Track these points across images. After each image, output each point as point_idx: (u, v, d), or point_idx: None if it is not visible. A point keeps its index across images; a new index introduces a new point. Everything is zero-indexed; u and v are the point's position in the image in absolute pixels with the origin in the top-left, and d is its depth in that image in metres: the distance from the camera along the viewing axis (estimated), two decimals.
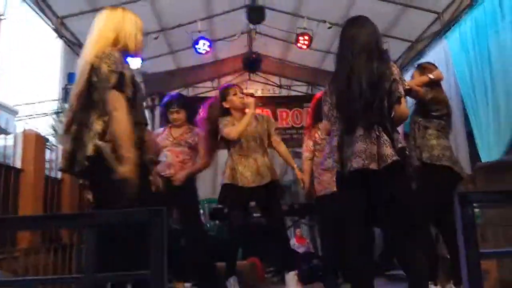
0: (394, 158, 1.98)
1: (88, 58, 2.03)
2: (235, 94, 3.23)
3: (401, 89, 2.07)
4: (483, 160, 3.92)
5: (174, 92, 4.43)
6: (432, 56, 5.14)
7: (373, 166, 1.98)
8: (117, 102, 1.93)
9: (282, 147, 3.33)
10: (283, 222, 3.50)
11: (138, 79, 2.79)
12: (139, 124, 2.09)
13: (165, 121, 3.59)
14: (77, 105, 2.02)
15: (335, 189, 2.35)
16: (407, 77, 2.94)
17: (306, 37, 5.58)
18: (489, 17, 4.01)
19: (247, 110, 3.17)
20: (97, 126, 1.95)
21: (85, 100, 2.01)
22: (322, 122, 2.50)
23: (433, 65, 3.13)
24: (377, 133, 2.01)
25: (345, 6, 5.28)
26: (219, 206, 4.24)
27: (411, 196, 2.16)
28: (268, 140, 3.27)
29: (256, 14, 5.21)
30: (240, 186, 3.08)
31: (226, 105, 3.23)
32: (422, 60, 5.30)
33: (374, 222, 2.16)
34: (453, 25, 4.69)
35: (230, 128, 3.12)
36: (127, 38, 2.15)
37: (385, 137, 2.02)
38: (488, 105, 3.97)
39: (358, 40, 2.18)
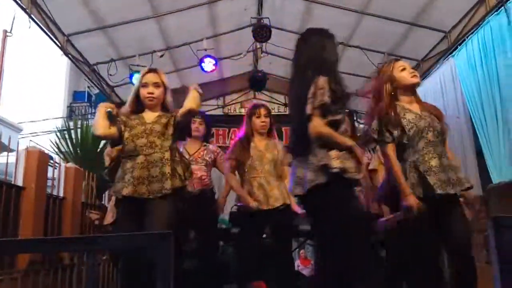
0: (314, 183, 2.07)
1: None
2: (258, 117, 3.14)
3: (308, 109, 2.11)
4: (494, 181, 3.84)
5: None
6: (439, 74, 5.12)
7: (299, 191, 2.16)
8: None
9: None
10: (290, 245, 3.41)
11: None
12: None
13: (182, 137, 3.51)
14: None
15: None
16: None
17: None
18: (496, 37, 3.99)
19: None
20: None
21: None
22: None
23: None
24: (307, 157, 2.13)
25: (351, 25, 5.29)
26: (224, 227, 4.15)
27: (341, 217, 2.09)
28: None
29: (262, 33, 5.22)
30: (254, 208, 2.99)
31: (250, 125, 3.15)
32: (430, 79, 5.31)
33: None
34: (460, 44, 4.67)
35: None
36: None
37: (311, 160, 2.11)
38: (498, 124, 3.91)
39: (295, 57, 2.33)
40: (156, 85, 2.47)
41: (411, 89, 2.31)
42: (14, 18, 4.21)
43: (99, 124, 2.37)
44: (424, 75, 5.44)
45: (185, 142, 3.39)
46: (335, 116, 2.12)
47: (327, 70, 2.19)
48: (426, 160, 2.13)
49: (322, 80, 2.10)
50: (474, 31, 4.41)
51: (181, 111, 2.43)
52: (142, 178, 2.29)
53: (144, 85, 2.47)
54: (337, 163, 2.05)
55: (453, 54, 4.79)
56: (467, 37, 4.54)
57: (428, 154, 2.15)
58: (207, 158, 3.33)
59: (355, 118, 7.82)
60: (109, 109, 2.41)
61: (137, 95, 2.49)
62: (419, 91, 2.39)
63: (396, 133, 2.18)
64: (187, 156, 3.28)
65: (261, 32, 5.22)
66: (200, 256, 3.32)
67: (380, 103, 2.25)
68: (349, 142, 2.13)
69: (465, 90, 4.45)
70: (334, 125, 2.12)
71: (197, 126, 3.36)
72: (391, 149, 2.20)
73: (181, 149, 3.33)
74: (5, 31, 4.16)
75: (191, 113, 2.49)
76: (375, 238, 3.03)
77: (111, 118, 2.40)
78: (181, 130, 2.61)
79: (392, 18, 4.97)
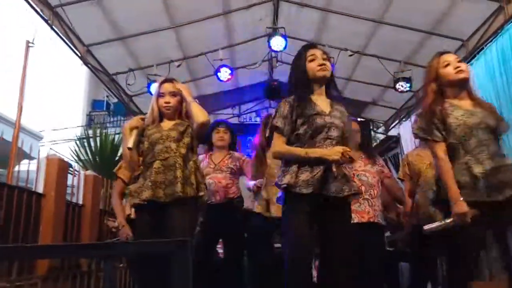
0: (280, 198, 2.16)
1: None
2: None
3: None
4: None
5: None
6: None
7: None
8: None
9: None
10: None
11: None
12: None
13: (208, 145, 3.52)
14: None
15: None
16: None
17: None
18: None
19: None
20: None
21: None
22: None
23: None
24: None
25: (367, 34, 5.29)
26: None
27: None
28: None
29: (277, 43, 5.25)
30: (271, 217, 3.00)
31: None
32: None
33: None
34: (478, 52, 4.61)
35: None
36: None
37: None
38: None
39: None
40: (172, 94, 2.53)
41: (458, 85, 2.13)
42: (36, 30, 4.35)
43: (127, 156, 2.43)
44: None
45: (211, 152, 3.41)
46: (299, 130, 2.09)
47: (291, 88, 2.21)
48: (479, 161, 1.96)
49: (279, 104, 2.17)
50: (492, 39, 4.36)
51: (195, 126, 2.46)
52: (159, 182, 2.34)
53: (161, 94, 2.53)
54: (287, 178, 2.02)
55: (471, 62, 4.73)
56: (485, 46, 4.48)
57: (481, 154, 1.97)
58: (232, 166, 3.32)
59: (371, 127, 7.78)
60: (134, 129, 2.45)
61: (155, 107, 2.55)
62: None
63: (443, 128, 2.02)
64: (212, 166, 3.31)
65: (277, 42, 5.25)
66: (227, 266, 3.32)
67: (425, 101, 2.14)
68: (302, 152, 2.04)
69: (484, 99, 4.38)
70: (300, 139, 2.09)
71: (221, 135, 3.38)
72: (440, 149, 2.03)
73: (206, 160, 3.36)
74: (27, 42, 4.28)
75: (205, 127, 2.51)
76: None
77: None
78: (201, 141, 2.66)
79: (409, 26, 4.95)
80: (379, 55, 5.52)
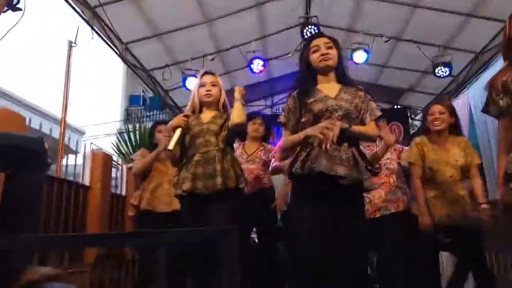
0: None
1: None
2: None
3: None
4: None
5: None
6: (498, 67, 4.84)
7: None
8: None
9: None
10: None
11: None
12: None
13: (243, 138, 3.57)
14: None
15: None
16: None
17: (363, 52, 5.49)
18: None
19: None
20: None
21: None
22: None
23: None
24: None
25: (404, 19, 5.15)
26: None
27: None
28: None
29: (310, 33, 5.21)
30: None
31: None
32: (490, 72, 5.03)
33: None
34: None
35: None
36: None
37: None
38: None
39: None
40: (213, 84, 2.62)
41: None
42: (78, 30, 4.53)
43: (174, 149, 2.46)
44: (484, 68, 5.18)
45: (245, 143, 3.48)
46: (302, 120, 2.09)
47: (297, 82, 2.20)
48: None
49: (287, 99, 2.18)
50: None
51: (230, 125, 2.52)
52: (198, 174, 2.42)
53: (202, 85, 2.62)
54: (288, 165, 2.09)
55: None
56: None
57: None
58: (264, 158, 3.38)
59: (408, 115, 7.59)
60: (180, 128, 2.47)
61: (195, 97, 2.64)
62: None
63: (502, 102, 1.80)
64: (245, 156, 3.38)
65: (310, 30, 5.22)
66: (260, 255, 3.38)
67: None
68: (302, 135, 2.01)
69: None
70: (304, 128, 2.06)
71: (257, 127, 3.44)
72: (501, 123, 1.85)
73: (240, 150, 3.44)
74: (70, 42, 4.47)
75: (239, 127, 2.55)
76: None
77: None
78: (235, 136, 2.72)
79: (447, 10, 4.78)
80: (416, 40, 5.37)
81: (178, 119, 2.52)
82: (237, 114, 2.48)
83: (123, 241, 1.55)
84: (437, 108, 2.72)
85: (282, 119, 2.16)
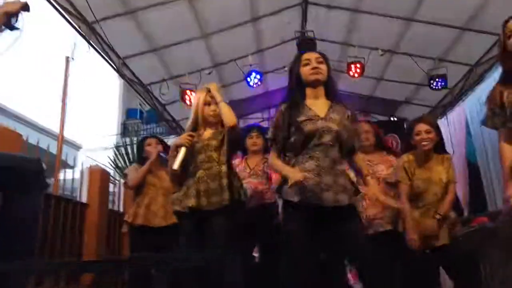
0: None
1: None
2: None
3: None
4: None
5: None
6: (493, 80, 4.87)
7: None
8: None
9: None
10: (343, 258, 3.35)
11: None
12: None
13: (242, 150, 3.55)
14: None
15: None
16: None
17: (358, 65, 5.52)
18: None
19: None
20: None
21: None
22: None
23: None
24: None
25: (399, 32, 5.20)
26: None
27: None
28: None
29: (307, 46, 5.24)
30: None
31: None
32: (485, 85, 5.07)
33: None
34: None
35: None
36: None
37: None
38: None
39: None
40: (215, 102, 2.57)
41: None
42: (75, 45, 4.54)
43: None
44: (479, 80, 5.22)
45: (247, 156, 3.46)
46: (291, 139, 2.10)
47: (288, 96, 2.21)
48: None
49: (275, 113, 2.19)
50: None
51: (226, 132, 2.50)
52: (202, 191, 2.39)
53: (207, 103, 2.57)
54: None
55: None
56: None
57: None
58: (268, 171, 3.34)
59: (405, 126, 7.60)
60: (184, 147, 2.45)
61: (196, 114, 2.58)
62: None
63: (497, 113, 1.83)
64: (248, 170, 3.35)
65: (306, 45, 5.24)
66: (263, 270, 3.33)
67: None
68: (283, 172, 2.08)
69: None
70: (292, 148, 2.10)
71: (254, 141, 3.41)
72: (500, 136, 1.88)
73: (243, 164, 3.41)
74: (67, 58, 4.47)
75: (234, 130, 2.52)
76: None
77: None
78: (233, 145, 2.68)
79: (442, 23, 4.83)
80: (412, 53, 5.41)
81: (183, 138, 2.49)
82: (227, 117, 2.47)
83: (122, 267, 1.53)
84: (423, 127, 2.71)
85: (270, 134, 2.18)
